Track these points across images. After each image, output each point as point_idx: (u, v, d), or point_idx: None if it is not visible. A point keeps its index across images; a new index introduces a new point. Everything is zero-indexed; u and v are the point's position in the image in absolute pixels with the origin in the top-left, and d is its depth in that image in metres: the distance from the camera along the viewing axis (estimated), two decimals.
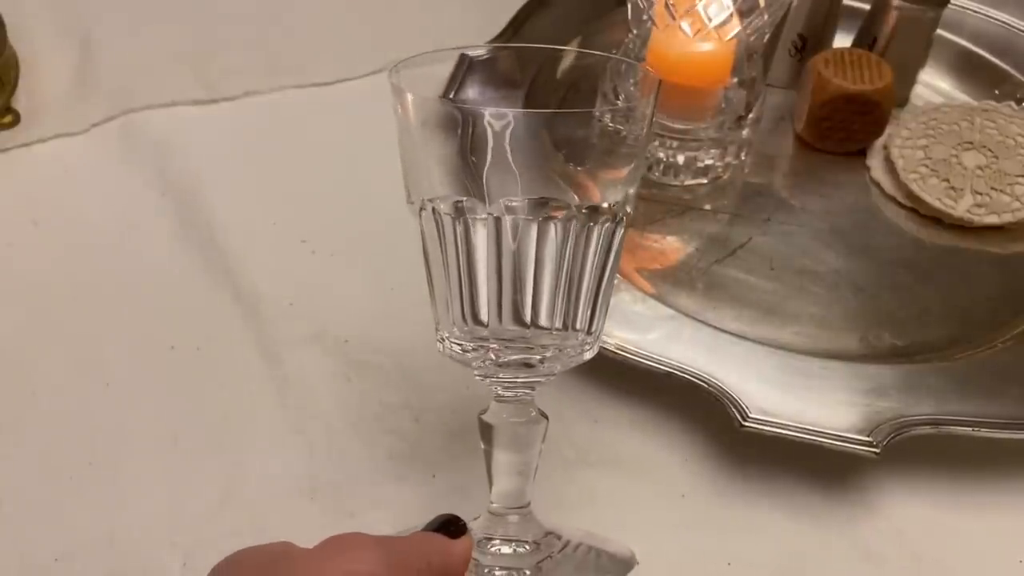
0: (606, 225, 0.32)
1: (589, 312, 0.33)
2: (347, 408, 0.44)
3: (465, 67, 0.57)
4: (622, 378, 0.44)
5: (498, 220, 0.31)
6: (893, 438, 0.40)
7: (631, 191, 0.32)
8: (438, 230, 0.32)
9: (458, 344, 0.33)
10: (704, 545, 0.40)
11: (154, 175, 0.54)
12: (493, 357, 0.33)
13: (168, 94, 0.59)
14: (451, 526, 0.30)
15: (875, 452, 0.40)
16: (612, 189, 0.32)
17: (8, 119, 0.56)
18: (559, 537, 0.34)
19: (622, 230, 0.33)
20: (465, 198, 0.31)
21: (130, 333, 0.46)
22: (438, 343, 0.34)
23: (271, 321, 0.47)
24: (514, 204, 0.31)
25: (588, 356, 0.34)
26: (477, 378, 0.34)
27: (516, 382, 0.33)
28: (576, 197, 0.31)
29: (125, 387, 0.44)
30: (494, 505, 0.35)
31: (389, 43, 0.64)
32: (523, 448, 0.34)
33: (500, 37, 0.60)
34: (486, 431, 0.34)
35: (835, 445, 0.40)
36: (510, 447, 0.34)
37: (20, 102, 0.57)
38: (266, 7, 0.66)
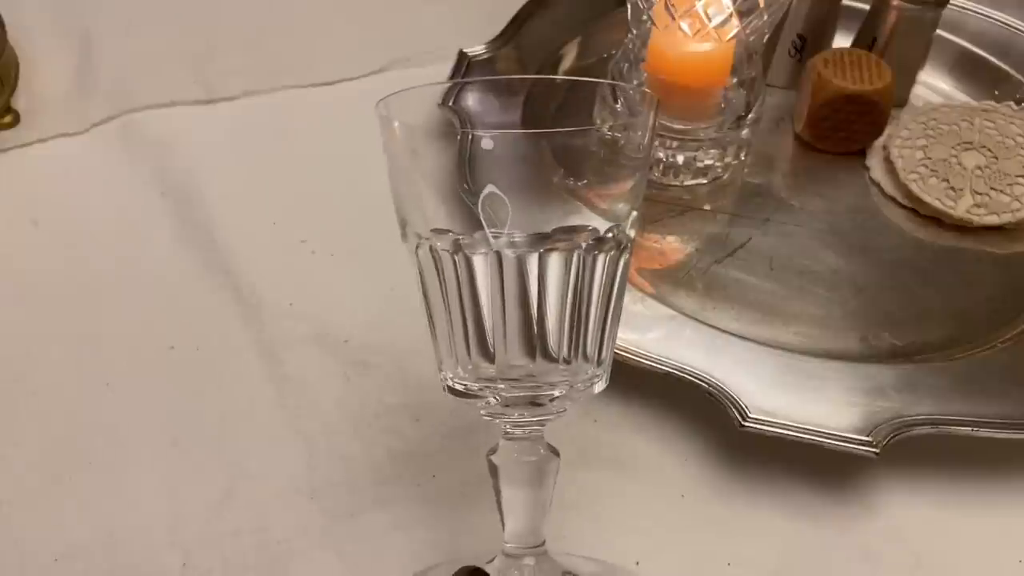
0: (611, 253, 0.31)
1: (597, 342, 0.32)
2: (347, 408, 0.44)
3: (463, 70, 0.58)
4: (622, 378, 0.44)
5: (499, 255, 0.30)
6: (893, 438, 0.40)
7: (634, 213, 0.32)
8: (436, 268, 0.31)
9: (462, 383, 0.32)
10: (704, 545, 0.40)
11: (154, 175, 0.54)
12: (499, 398, 0.32)
13: (168, 94, 0.59)
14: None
15: (875, 452, 0.40)
16: (615, 207, 0.31)
17: (8, 119, 0.56)
18: None
19: (627, 255, 0.32)
20: (463, 235, 0.30)
21: (130, 333, 0.46)
22: (441, 382, 0.33)
23: (271, 321, 0.47)
24: (516, 239, 0.30)
25: (598, 389, 0.33)
26: (484, 418, 0.33)
27: (524, 420, 0.32)
28: (579, 219, 0.30)
29: (125, 387, 0.44)
30: (508, 546, 0.34)
31: (389, 43, 0.64)
32: (535, 486, 0.33)
33: (500, 37, 0.60)
34: (495, 471, 0.33)
35: (835, 445, 0.40)
36: (522, 486, 0.33)
37: (20, 102, 0.57)
38: (266, 7, 0.66)
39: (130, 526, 0.39)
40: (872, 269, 0.51)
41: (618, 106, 0.53)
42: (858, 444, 0.40)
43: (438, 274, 0.31)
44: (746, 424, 0.40)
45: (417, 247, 0.31)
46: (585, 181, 0.31)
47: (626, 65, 0.53)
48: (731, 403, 0.41)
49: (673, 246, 0.51)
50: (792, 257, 0.51)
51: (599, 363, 0.32)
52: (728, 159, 0.54)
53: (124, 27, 0.64)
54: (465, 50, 0.59)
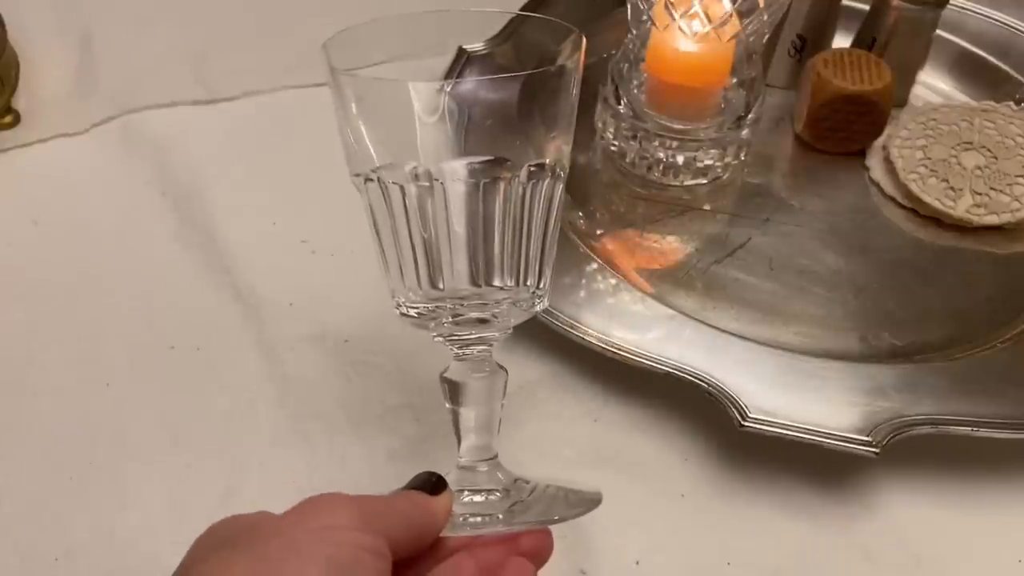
0: (546, 181, 0.33)
1: (538, 264, 0.34)
2: (347, 408, 0.44)
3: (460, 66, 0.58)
4: (622, 378, 0.44)
5: (443, 186, 0.32)
6: (893, 438, 0.40)
7: (566, 147, 0.34)
8: (385, 201, 0.33)
9: (415, 308, 0.34)
10: (704, 545, 0.40)
11: (154, 175, 0.54)
12: (450, 317, 0.34)
13: (168, 94, 0.59)
14: (431, 483, 0.30)
15: (875, 452, 0.40)
16: (551, 145, 0.34)
17: (8, 119, 0.56)
18: (527, 482, 0.35)
19: (561, 185, 0.34)
20: (409, 166, 0.32)
21: (130, 333, 0.46)
22: (395, 309, 0.35)
23: (271, 321, 0.47)
24: (458, 169, 0.32)
25: (539, 308, 0.35)
26: (436, 340, 0.35)
27: (473, 338, 0.34)
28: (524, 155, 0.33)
29: (125, 387, 0.44)
30: (463, 460, 0.35)
31: (389, 43, 0.64)
32: (487, 401, 0.35)
33: (499, 37, 0.60)
34: (450, 389, 0.35)
35: (835, 445, 0.40)
36: (474, 402, 0.35)
37: (20, 102, 0.57)
38: (266, 7, 0.66)
39: (130, 526, 0.39)
40: (872, 269, 0.51)
41: (620, 107, 0.53)
42: (858, 444, 0.40)
43: (387, 207, 0.33)
44: (746, 424, 0.40)
45: (366, 181, 0.33)
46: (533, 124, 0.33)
47: (626, 65, 0.53)
48: (731, 403, 0.41)
49: (673, 246, 0.51)
50: (792, 257, 0.51)
51: (539, 284, 0.35)
52: (728, 159, 0.54)
53: (124, 27, 0.64)
54: (464, 46, 0.59)
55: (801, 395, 0.42)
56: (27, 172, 0.54)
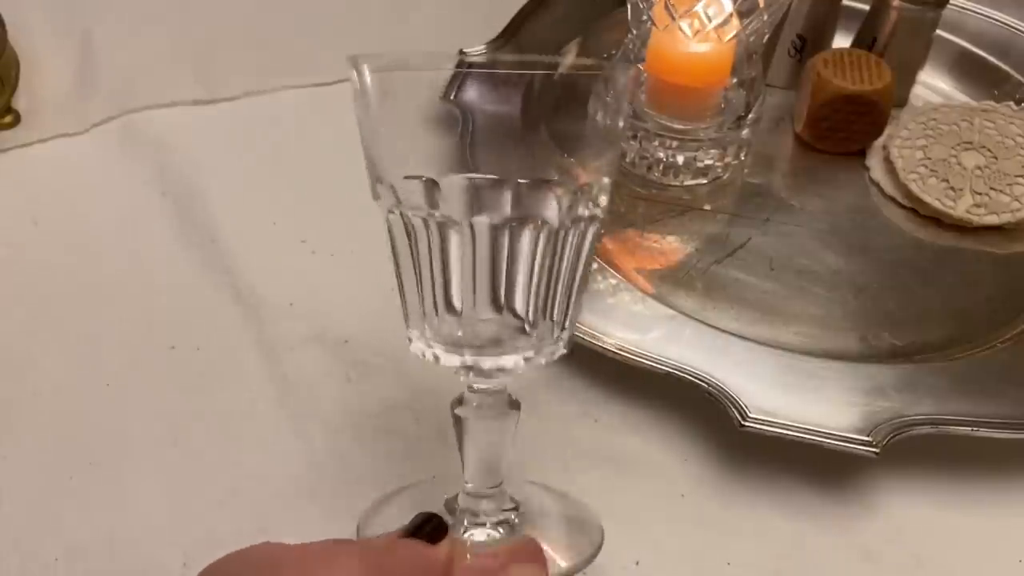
0: (580, 227, 0.31)
1: (564, 310, 0.33)
2: (347, 408, 0.44)
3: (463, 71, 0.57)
4: (622, 378, 0.44)
5: (472, 227, 0.30)
6: (893, 438, 0.40)
7: (606, 180, 0.32)
8: (408, 233, 0.31)
9: (428, 347, 0.33)
10: (704, 545, 0.40)
11: (154, 175, 0.54)
12: (468, 362, 0.32)
13: (168, 94, 0.59)
14: (431, 526, 0.30)
15: (875, 452, 0.40)
16: (590, 177, 0.32)
17: (8, 119, 0.56)
18: (534, 503, 0.36)
19: (597, 226, 0.32)
20: (435, 211, 0.30)
21: (130, 333, 0.46)
22: (408, 342, 0.33)
23: (271, 321, 0.47)
24: (485, 217, 0.30)
25: (560, 353, 0.34)
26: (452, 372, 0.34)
27: (488, 370, 0.33)
28: (557, 180, 0.31)
29: (125, 387, 0.44)
30: (468, 487, 0.35)
31: (389, 43, 0.64)
32: (493, 444, 0.34)
33: (499, 38, 0.60)
34: (456, 422, 0.34)
35: (835, 445, 0.40)
36: (481, 442, 0.34)
37: (20, 102, 0.57)
38: (266, 7, 0.66)
39: (130, 526, 0.39)
40: (872, 269, 0.51)
41: (609, 99, 0.53)
42: (858, 444, 0.40)
43: (409, 240, 0.31)
44: (746, 424, 0.40)
45: (389, 212, 0.31)
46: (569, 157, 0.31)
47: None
48: (731, 403, 0.41)
49: (673, 246, 0.51)
50: (792, 257, 0.51)
51: (563, 329, 0.33)
52: (728, 159, 0.54)
53: (124, 27, 0.64)
54: (465, 50, 0.59)
55: (801, 395, 0.42)
56: (27, 172, 0.54)
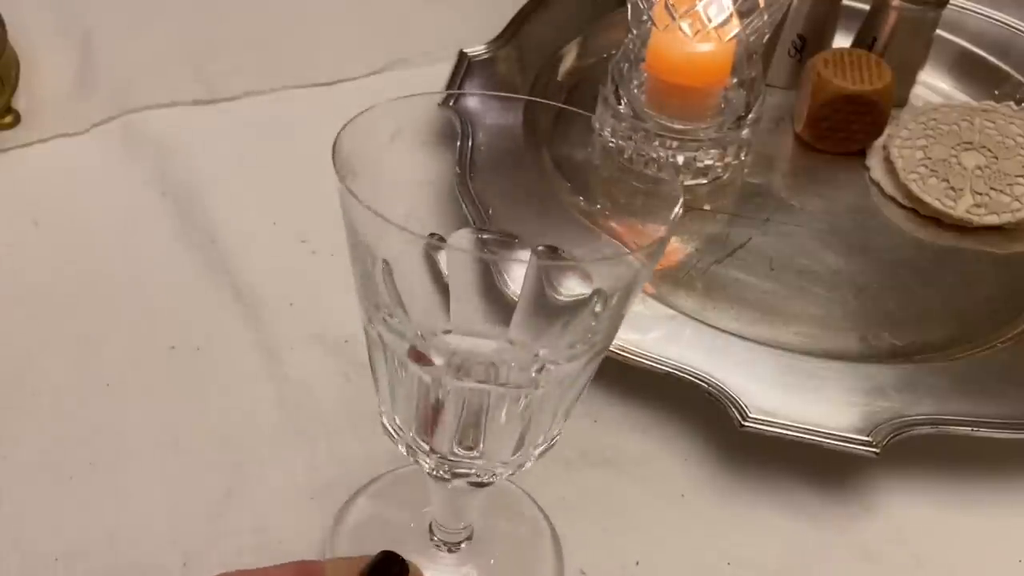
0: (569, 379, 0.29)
1: (540, 446, 0.31)
2: (347, 408, 0.44)
3: (463, 70, 0.58)
4: (622, 378, 0.44)
5: (457, 384, 0.27)
6: (893, 438, 0.40)
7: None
8: (393, 365, 0.29)
9: (398, 439, 0.31)
10: (704, 545, 0.40)
11: (154, 175, 0.54)
12: (433, 470, 0.31)
13: (168, 94, 0.59)
14: (392, 566, 0.29)
15: (875, 452, 0.40)
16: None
17: (8, 119, 0.56)
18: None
19: (593, 367, 0.29)
20: (427, 368, 0.27)
21: (130, 333, 0.46)
22: (381, 424, 0.31)
23: (271, 321, 0.47)
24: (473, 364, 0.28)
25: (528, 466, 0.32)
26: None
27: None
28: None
29: (125, 387, 0.44)
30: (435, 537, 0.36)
31: (389, 43, 0.64)
32: (461, 509, 0.34)
33: (500, 37, 0.60)
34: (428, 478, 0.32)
35: (835, 445, 0.40)
36: (446, 507, 0.34)
37: (20, 102, 0.57)
38: (266, 7, 0.66)
39: (130, 526, 0.39)
40: (872, 269, 0.51)
41: (621, 107, 0.53)
42: (858, 444, 0.40)
43: (393, 370, 0.29)
44: (746, 424, 0.40)
45: (373, 345, 0.29)
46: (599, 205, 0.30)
47: (626, 65, 0.53)
48: (731, 403, 0.41)
49: (673, 246, 0.51)
50: (792, 257, 0.51)
51: (538, 457, 0.31)
52: (728, 159, 0.54)
53: (124, 27, 0.64)
54: (465, 50, 0.59)
55: (801, 395, 0.42)
56: (27, 172, 0.54)
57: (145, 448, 0.42)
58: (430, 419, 0.29)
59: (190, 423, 0.43)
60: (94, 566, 0.38)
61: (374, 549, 0.30)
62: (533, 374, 0.28)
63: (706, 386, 0.41)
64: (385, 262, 0.27)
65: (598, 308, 0.27)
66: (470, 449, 0.30)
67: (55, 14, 0.64)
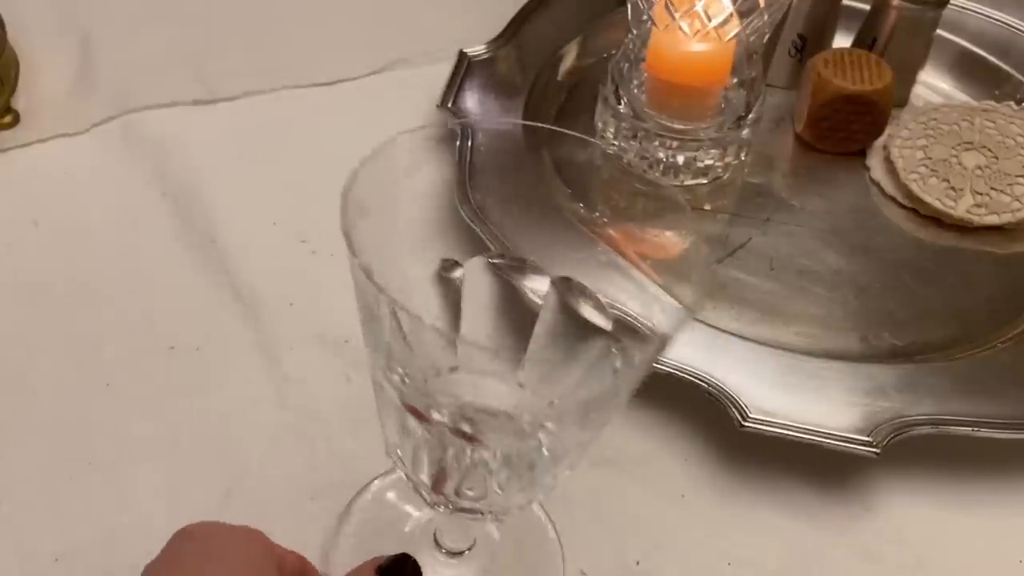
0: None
1: (545, 486, 0.30)
2: (347, 408, 0.44)
3: (463, 70, 0.58)
4: None
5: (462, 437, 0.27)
6: (893, 438, 0.40)
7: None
8: (403, 427, 0.29)
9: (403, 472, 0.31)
10: (704, 545, 0.40)
11: (154, 175, 0.54)
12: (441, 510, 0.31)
13: (168, 94, 0.59)
14: (405, 567, 0.29)
15: (875, 452, 0.40)
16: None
17: (8, 119, 0.56)
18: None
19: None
20: (432, 425, 0.26)
21: (130, 333, 0.46)
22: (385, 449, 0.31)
23: (271, 321, 0.47)
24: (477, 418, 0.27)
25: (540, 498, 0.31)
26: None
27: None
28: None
29: (125, 387, 0.44)
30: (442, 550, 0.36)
31: (389, 43, 0.64)
32: (468, 527, 0.35)
33: (500, 37, 0.60)
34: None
35: (835, 445, 0.40)
36: (453, 529, 0.35)
37: (20, 102, 0.57)
38: (266, 7, 0.66)
39: (130, 526, 0.39)
40: (872, 269, 0.51)
41: (621, 107, 0.53)
42: (858, 444, 0.40)
43: (401, 426, 0.29)
44: (746, 424, 0.40)
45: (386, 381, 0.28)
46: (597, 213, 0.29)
47: (626, 65, 0.53)
48: (731, 403, 0.41)
49: (673, 246, 0.51)
50: (792, 257, 0.51)
51: (545, 494, 0.31)
52: (728, 159, 0.54)
53: (124, 27, 0.64)
54: (465, 50, 0.59)
55: (801, 395, 0.42)
56: (27, 172, 0.54)
57: (145, 448, 0.42)
58: (440, 479, 0.29)
59: (190, 423, 0.43)
60: (94, 566, 0.38)
61: (375, 550, 0.30)
62: (548, 425, 0.26)
63: (706, 386, 0.41)
64: (393, 300, 0.25)
65: (618, 364, 0.26)
66: (476, 500, 0.30)
67: (55, 14, 0.64)
